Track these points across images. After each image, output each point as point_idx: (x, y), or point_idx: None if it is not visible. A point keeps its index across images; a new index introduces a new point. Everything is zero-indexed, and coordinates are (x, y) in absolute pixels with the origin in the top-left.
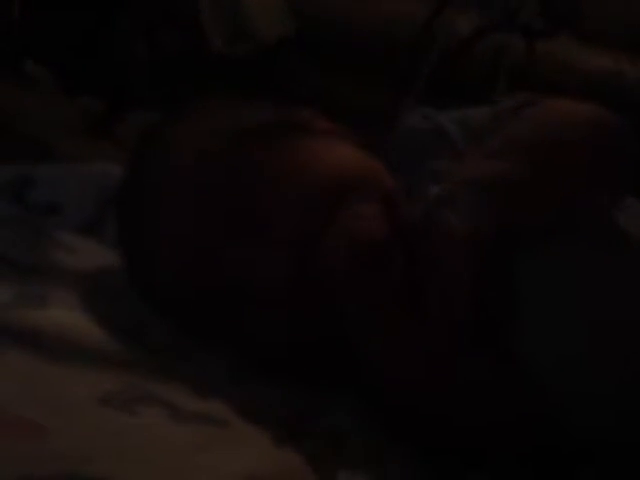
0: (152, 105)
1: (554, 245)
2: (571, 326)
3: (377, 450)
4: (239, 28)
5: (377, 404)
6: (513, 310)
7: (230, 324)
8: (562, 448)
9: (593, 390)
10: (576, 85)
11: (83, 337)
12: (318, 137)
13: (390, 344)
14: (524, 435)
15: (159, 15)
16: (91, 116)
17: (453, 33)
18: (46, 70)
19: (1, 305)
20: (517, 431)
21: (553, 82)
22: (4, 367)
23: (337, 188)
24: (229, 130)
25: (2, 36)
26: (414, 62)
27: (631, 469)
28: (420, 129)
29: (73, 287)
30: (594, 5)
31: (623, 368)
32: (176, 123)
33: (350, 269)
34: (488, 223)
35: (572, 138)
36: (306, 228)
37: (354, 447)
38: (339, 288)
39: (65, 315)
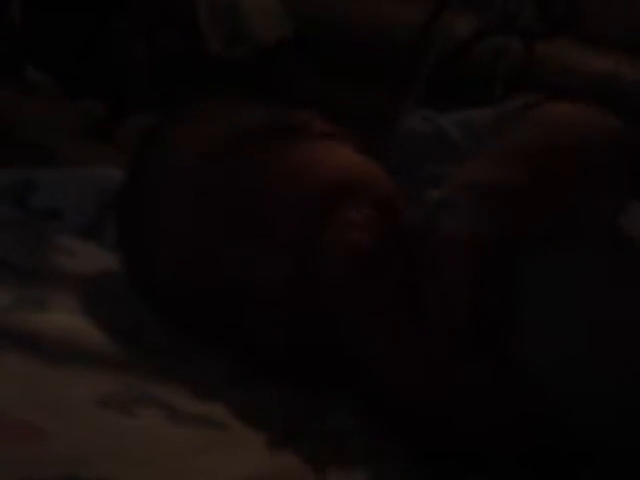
0: (151, 108)
1: (554, 247)
2: (571, 326)
3: (377, 452)
4: (237, 31)
5: (376, 407)
6: (512, 311)
7: (229, 325)
8: (562, 448)
9: (593, 390)
10: (575, 87)
11: (82, 340)
12: (316, 139)
13: (389, 349)
14: (524, 436)
15: (159, 16)
16: (92, 120)
17: (452, 36)
18: (46, 75)
19: (1, 308)
20: (517, 433)
21: (552, 84)
22: (4, 370)
23: (335, 191)
24: (228, 132)
25: (3, 41)
26: (413, 64)
27: (631, 469)
28: (420, 131)
29: (73, 291)
30: (595, 7)
31: (623, 368)
32: (175, 125)
33: (342, 278)
34: (488, 228)
35: (574, 143)
36: (305, 230)
37: (354, 449)
38: (333, 296)
39: (65, 318)
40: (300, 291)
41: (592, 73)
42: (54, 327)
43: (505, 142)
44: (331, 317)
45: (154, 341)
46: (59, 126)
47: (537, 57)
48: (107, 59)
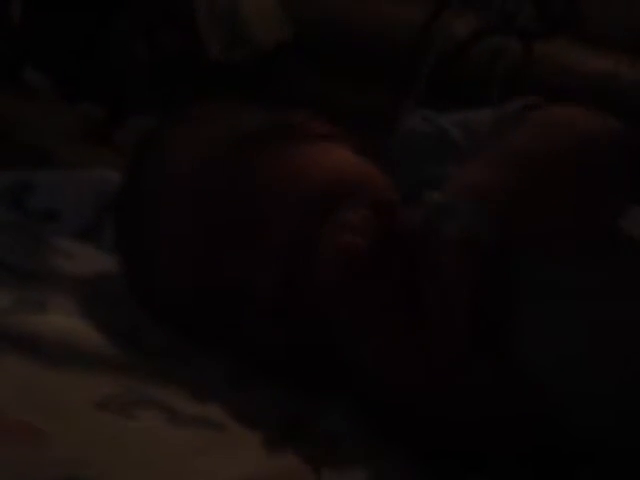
0: (151, 110)
1: (553, 249)
2: (571, 326)
3: (374, 453)
4: (236, 34)
5: (374, 408)
6: (512, 311)
7: (229, 327)
8: (562, 448)
9: (593, 390)
10: (574, 87)
11: (81, 342)
12: (315, 141)
13: (388, 349)
14: (524, 436)
15: (158, 16)
16: (91, 122)
17: (451, 36)
18: (45, 77)
19: (0, 311)
20: (517, 433)
21: (551, 84)
22: (3, 372)
23: (333, 192)
24: (227, 135)
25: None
26: (413, 64)
27: (631, 469)
28: (420, 131)
29: (71, 293)
30: (595, 7)
31: (623, 368)
32: (175, 128)
33: (335, 279)
34: (488, 230)
35: (573, 145)
36: (303, 231)
37: (347, 450)
38: (326, 298)
39: (64, 320)
40: (298, 292)
41: (591, 73)
42: (53, 329)
43: (505, 144)
44: (326, 318)
45: (153, 343)
46: (57, 129)
47: (536, 57)
48: (107, 60)
